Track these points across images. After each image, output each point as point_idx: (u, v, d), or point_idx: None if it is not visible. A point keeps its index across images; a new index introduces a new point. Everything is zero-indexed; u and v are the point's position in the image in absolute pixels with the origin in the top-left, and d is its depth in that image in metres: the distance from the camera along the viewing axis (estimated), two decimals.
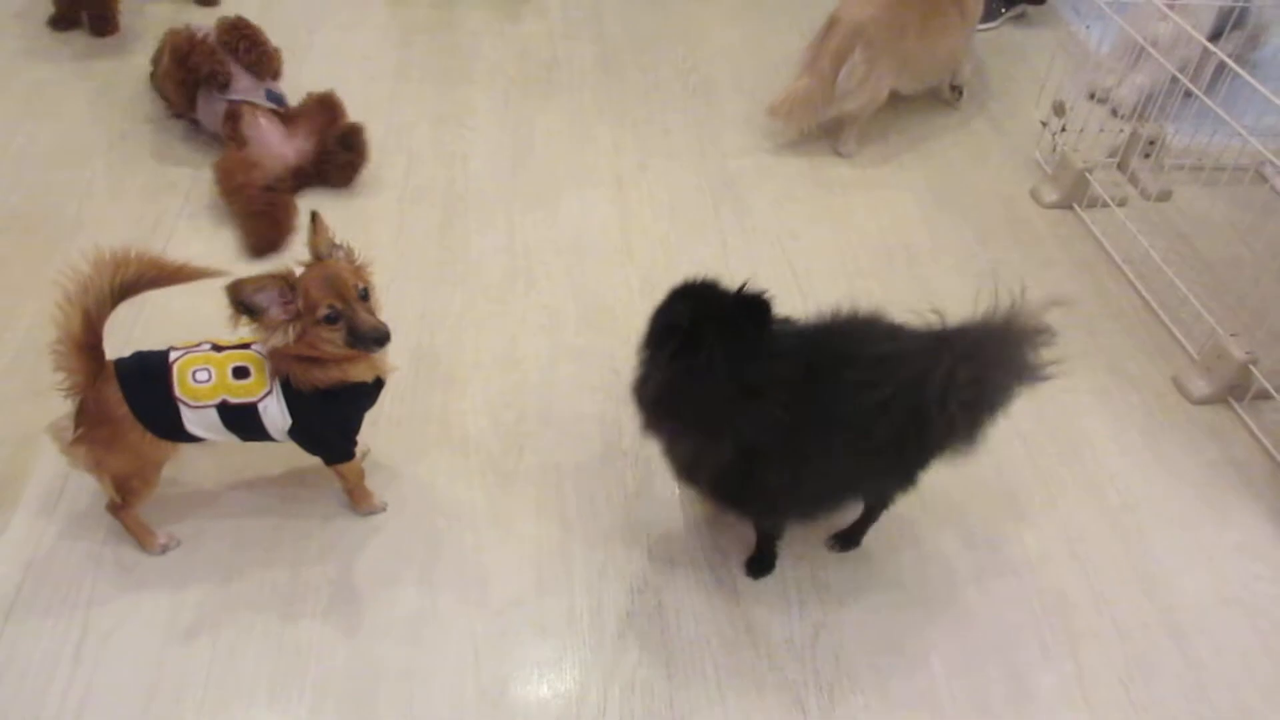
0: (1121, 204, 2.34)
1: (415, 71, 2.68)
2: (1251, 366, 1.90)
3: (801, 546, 1.62)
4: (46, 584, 1.51)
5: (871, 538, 1.63)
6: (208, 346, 1.47)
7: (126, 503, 1.52)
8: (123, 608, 1.49)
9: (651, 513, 1.66)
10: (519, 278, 2.08)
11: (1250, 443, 1.88)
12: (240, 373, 1.44)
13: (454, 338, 1.93)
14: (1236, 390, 1.94)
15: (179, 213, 2.17)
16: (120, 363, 1.45)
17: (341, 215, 2.16)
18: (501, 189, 2.31)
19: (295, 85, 2.39)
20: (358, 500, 1.63)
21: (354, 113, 2.33)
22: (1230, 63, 2.00)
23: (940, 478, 1.74)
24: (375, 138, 2.39)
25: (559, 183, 2.35)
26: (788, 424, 1.32)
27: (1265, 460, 1.85)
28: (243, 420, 1.46)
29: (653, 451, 1.72)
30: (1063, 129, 2.51)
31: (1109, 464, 1.81)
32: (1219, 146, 2.40)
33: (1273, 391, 1.88)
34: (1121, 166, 2.48)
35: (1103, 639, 1.54)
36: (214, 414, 1.44)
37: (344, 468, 1.58)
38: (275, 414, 1.46)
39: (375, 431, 1.72)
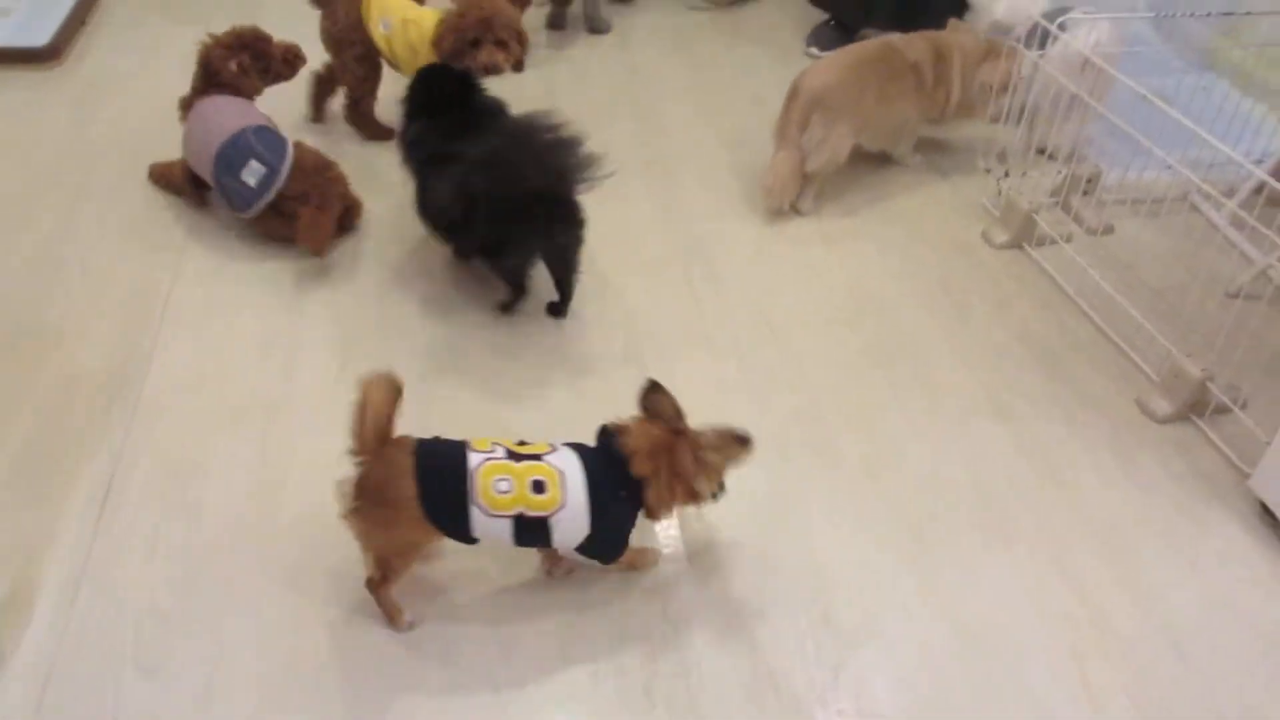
0: (1068, 240, 2.47)
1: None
2: (1208, 383, 2.01)
3: (810, 590, 1.67)
4: (67, 701, 1.50)
5: (868, 571, 1.69)
6: (503, 452, 1.49)
7: (384, 579, 1.54)
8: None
9: (664, 571, 1.70)
10: (502, 353, 2.14)
11: (1215, 455, 1.99)
12: (538, 487, 1.46)
13: (449, 419, 1.97)
14: (1197, 406, 2.05)
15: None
16: (421, 452, 1.47)
17: (328, 305, 2.20)
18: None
19: None
20: (638, 564, 1.69)
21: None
22: (1154, 99, 2.15)
23: (931, 510, 1.82)
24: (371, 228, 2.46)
25: None
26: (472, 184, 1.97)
27: (1231, 470, 1.95)
28: (532, 532, 1.49)
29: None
30: (1005, 174, 2.65)
31: (1088, 486, 1.90)
32: (1152, 179, 2.55)
33: (1230, 404, 1.99)
34: (1064, 206, 2.62)
35: (1106, 654, 1.61)
36: (508, 525, 1.47)
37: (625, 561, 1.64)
38: (569, 527, 1.49)
39: None
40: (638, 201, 2.63)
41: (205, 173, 2.31)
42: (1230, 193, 2.60)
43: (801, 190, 2.62)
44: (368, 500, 1.46)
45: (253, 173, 2.22)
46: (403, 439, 1.49)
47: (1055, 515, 1.84)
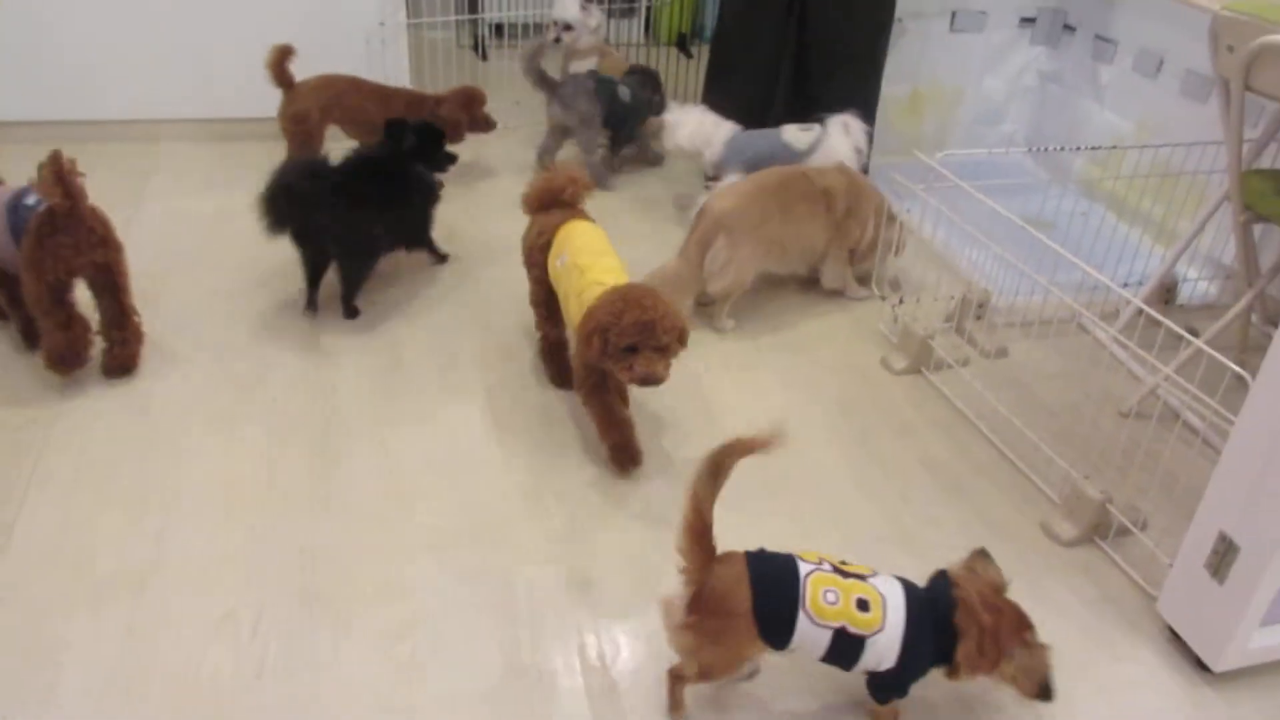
0: (964, 364, 2.51)
1: (275, 305, 2.68)
2: (1108, 505, 2.02)
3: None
4: None
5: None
6: (829, 566, 1.52)
7: (696, 681, 1.57)
8: None
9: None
10: (398, 502, 2.05)
11: (1121, 578, 1.98)
12: (863, 605, 1.48)
13: (337, 572, 1.86)
14: (1099, 529, 2.05)
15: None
16: (754, 564, 1.50)
17: (210, 455, 2.11)
18: (371, 412, 2.30)
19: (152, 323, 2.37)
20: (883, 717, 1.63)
21: (216, 355, 2.31)
22: (1031, 229, 2.22)
23: None
24: (240, 377, 2.38)
25: (430, 396, 2.35)
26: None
27: (1137, 593, 1.94)
28: (846, 650, 1.49)
29: (557, 665, 1.69)
30: (900, 301, 2.70)
31: None
32: (1041, 302, 2.63)
33: (1131, 527, 2.00)
34: (958, 330, 2.68)
35: None
36: (828, 637, 1.47)
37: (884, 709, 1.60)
38: (879, 653, 1.48)
39: (261, 685, 1.62)
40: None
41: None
42: (1115, 314, 2.69)
43: (715, 311, 2.70)
44: (704, 614, 1.48)
45: None
46: (731, 554, 1.52)
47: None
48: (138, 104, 3.51)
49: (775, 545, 1.97)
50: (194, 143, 3.55)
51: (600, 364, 2.02)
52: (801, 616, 1.47)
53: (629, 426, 2.15)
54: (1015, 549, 2.03)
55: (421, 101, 3.30)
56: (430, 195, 2.84)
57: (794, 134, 3.06)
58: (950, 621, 1.50)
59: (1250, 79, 2.14)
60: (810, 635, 1.48)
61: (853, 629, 1.47)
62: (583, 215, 2.36)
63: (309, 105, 3.14)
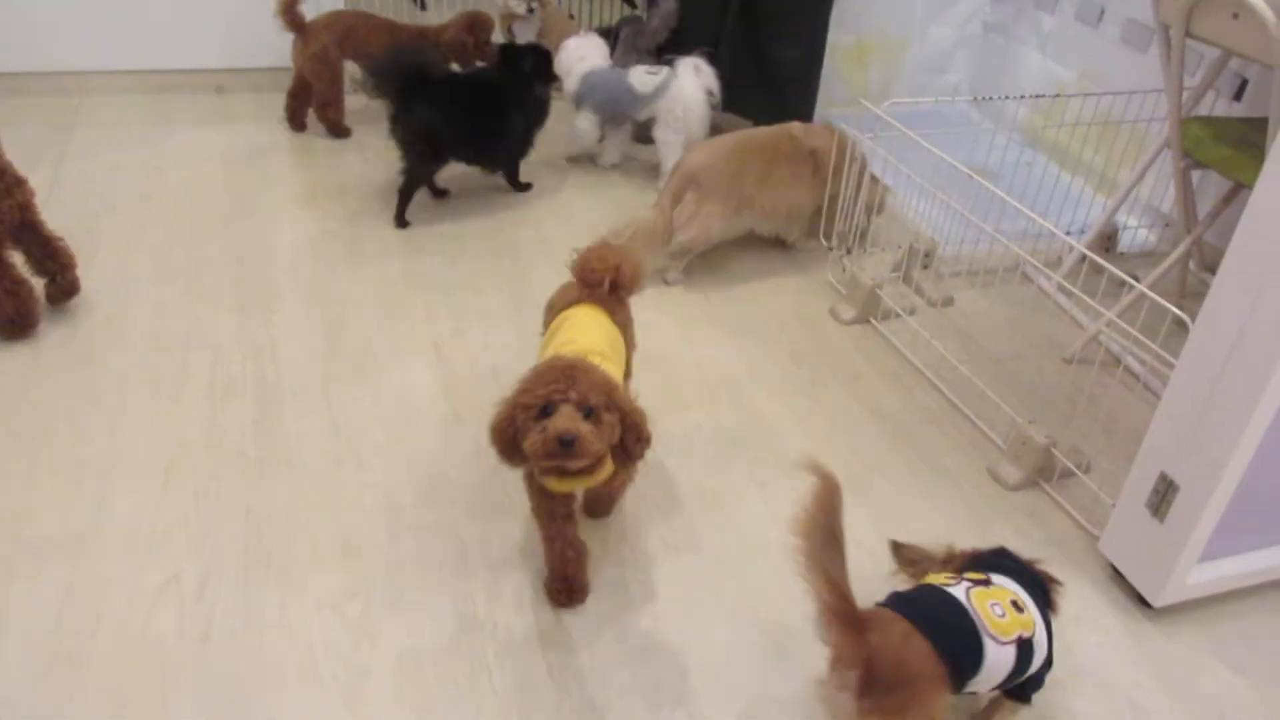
0: (912, 313, 2.52)
1: (213, 261, 2.61)
2: (1052, 449, 2.05)
3: (676, 693, 1.60)
4: None
5: (735, 668, 1.63)
6: (969, 581, 1.40)
7: None
8: None
9: (518, 676, 1.60)
10: (347, 460, 2.01)
11: (1065, 519, 2.02)
12: (1018, 606, 1.39)
13: (284, 534, 1.83)
14: (1044, 472, 2.09)
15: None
16: (911, 612, 1.32)
17: (150, 418, 2.06)
18: (317, 371, 2.25)
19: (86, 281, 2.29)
20: None
21: (154, 314, 2.24)
22: (977, 177, 2.23)
23: (797, 599, 1.78)
24: (178, 336, 2.31)
25: (376, 357, 2.31)
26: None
27: (1080, 534, 1.99)
28: (1024, 658, 1.37)
29: (513, 619, 1.68)
30: (848, 252, 2.71)
31: None
32: (986, 251, 2.65)
33: (1074, 470, 2.04)
34: (906, 280, 2.69)
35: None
36: (1013, 653, 1.34)
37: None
38: (1038, 645, 1.39)
39: (208, 648, 1.60)
40: (489, 295, 2.57)
41: None
42: (1058, 262, 2.72)
43: (671, 263, 2.69)
44: (882, 692, 1.26)
45: None
46: (876, 614, 1.34)
47: None
48: (64, 55, 3.37)
49: (726, 495, 2.00)
50: (124, 95, 3.43)
51: (516, 458, 1.59)
52: (989, 643, 1.33)
53: (577, 556, 1.72)
54: (962, 494, 2.06)
55: (425, 34, 3.32)
56: (541, 115, 2.97)
57: (640, 77, 3.05)
58: (1048, 592, 1.50)
59: (1190, 26, 2.16)
60: (1000, 657, 1.35)
61: (1026, 634, 1.37)
62: (599, 302, 1.86)
63: (326, 42, 3.15)
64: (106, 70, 3.42)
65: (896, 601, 1.39)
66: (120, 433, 2.03)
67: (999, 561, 1.52)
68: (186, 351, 2.27)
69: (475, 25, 3.32)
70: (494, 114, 2.85)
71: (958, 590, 1.39)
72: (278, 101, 3.33)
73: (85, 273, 2.39)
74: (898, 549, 1.64)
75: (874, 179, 2.66)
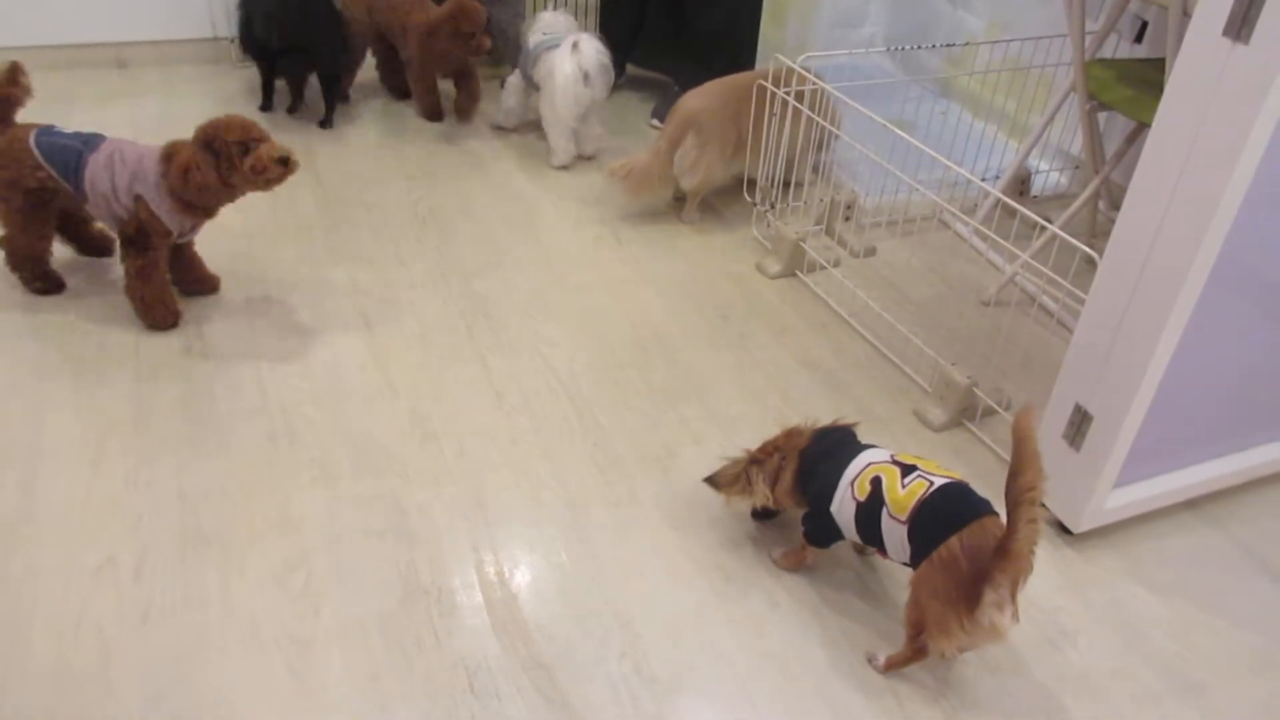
0: (836, 265, 2.57)
1: None
2: (974, 389, 2.12)
3: (621, 644, 1.63)
4: None
5: (679, 619, 1.67)
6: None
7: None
8: None
9: (464, 645, 1.62)
10: (280, 436, 2.00)
11: (989, 455, 2.09)
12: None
13: (221, 512, 1.82)
14: (967, 412, 2.16)
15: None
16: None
17: (73, 402, 2.01)
18: (243, 346, 2.22)
19: None
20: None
21: (72, 295, 2.18)
22: (893, 128, 2.27)
23: (736, 546, 1.82)
24: (96, 318, 2.26)
25: (303, 330, 2.29)
26: None
27: (1004, 468, 2.03)
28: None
29: (455, 584, 1.70)
30: (771, 206, 2.74)
31: None
32: (905, 201, 2.71)
33: (996, 407, 2.11)
34: (829, 232, 2.74)
35: (928, 690, 1.64)
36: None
37: None
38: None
39: (148, 629, 1.59)
40: (414, 265, 2.56)
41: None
42: (974, 208, 2.79)
43: (685, 206, 2.82)
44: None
45: None
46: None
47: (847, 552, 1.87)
48: None
49: (662, 451, 2.03)
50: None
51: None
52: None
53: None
54: (892, 436, 2.12)
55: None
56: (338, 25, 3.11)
57: (537, 37, 3.04)
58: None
59: None
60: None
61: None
62: None
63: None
64: (1, 46, 3.29)
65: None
66: (44, 418, 1.98)
67: (841, 436, 1.71)
68: (109, 333, 2.22)
69: (462, 15, 3.06)
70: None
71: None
72: (184, 74, 3.24)
73: None
74: (713, 482, 1.77)
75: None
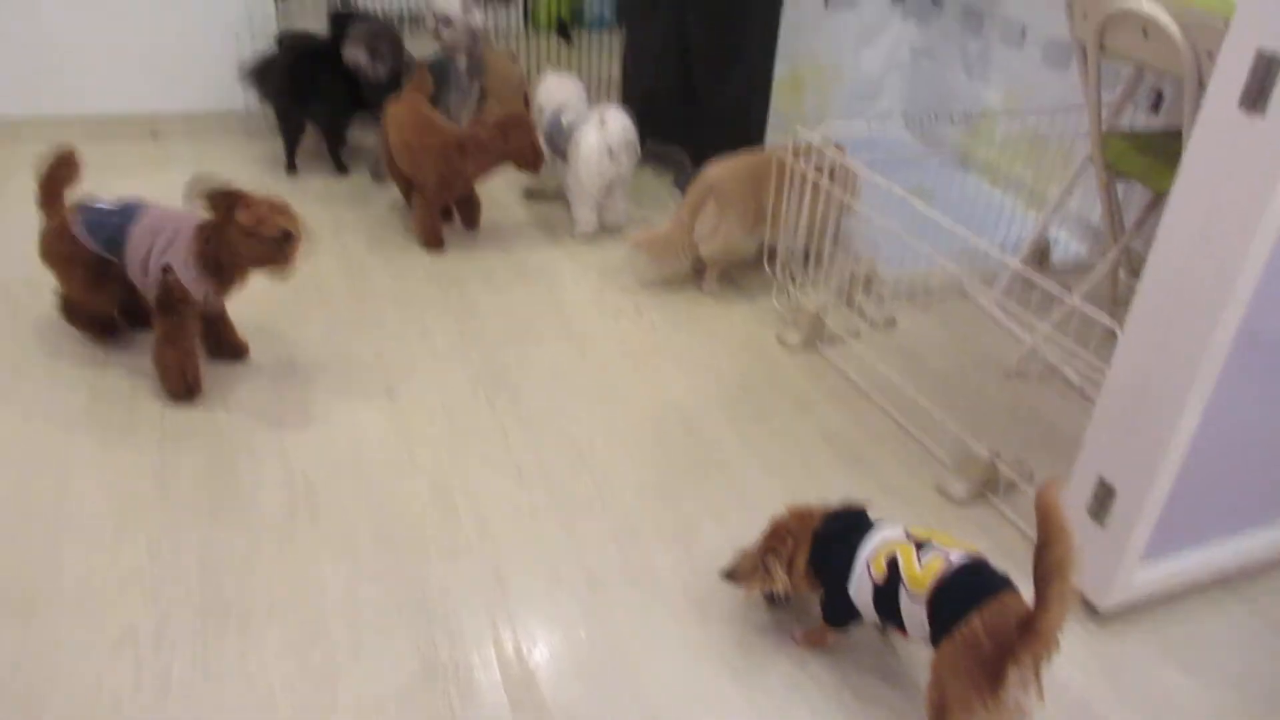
0: (856, 336, 2.58)
1: None
2: (996, 462, 2.10)
3: None
4: None
5: (703, 704, 1.65)
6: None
7: None
8: None
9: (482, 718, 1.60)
10: (301, 508, 2.01)
11: (1012, 531, 2.07)
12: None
13: (241, 584, 1.82)
14: (990, 485, 2.13)
15: None
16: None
17: (99, 463, 2.03)
18: (268, 414, 2.24)
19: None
20: None
21: (100, 361, 2.21)
22: (913, 200, 2.29)
23: (760, 627, 1.80)
24: (121, 384, 2.29)
25: (327, 399, 2.31)
26: None
27: (1028, 544, 2.01)
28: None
29: (473, 660, 1.68)
30: (791, 277, 2.76)
31: None
32: (925, 272, 2.72)
33: (1018, 481, 2.09)
34: (848, 303, 2.75)
35: None
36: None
37: None
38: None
39: (167, 701, 1.58)
40: (438, 336, 2.58)
41: None
42: (994, 278, 2.80)
43: (705, 275, 2.85)
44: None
45: None
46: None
47: None
48: None
49: (688, 524, 2.02)
50: (55, 142, 3.39)
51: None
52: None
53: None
54: (914, 511, 2.10)
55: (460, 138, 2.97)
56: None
57: (568, 114, 3.10)
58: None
59: (1104, 43, 2.24)
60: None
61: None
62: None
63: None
64: (39, 117, 3.39)
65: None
66: (67, 485, 2.00)
67: (853, 515, 1.69)
68: (136, 400, 2.25)
69: (510, 128, 2.91)
70: (323, 74, 3.21)
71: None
72: (214, 145, 3.33)
73: (24, 324, 2.37)
74: (732, 577, 1.75)
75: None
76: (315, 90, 3.24)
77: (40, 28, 3.27)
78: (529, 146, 2.89)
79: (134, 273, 2.19)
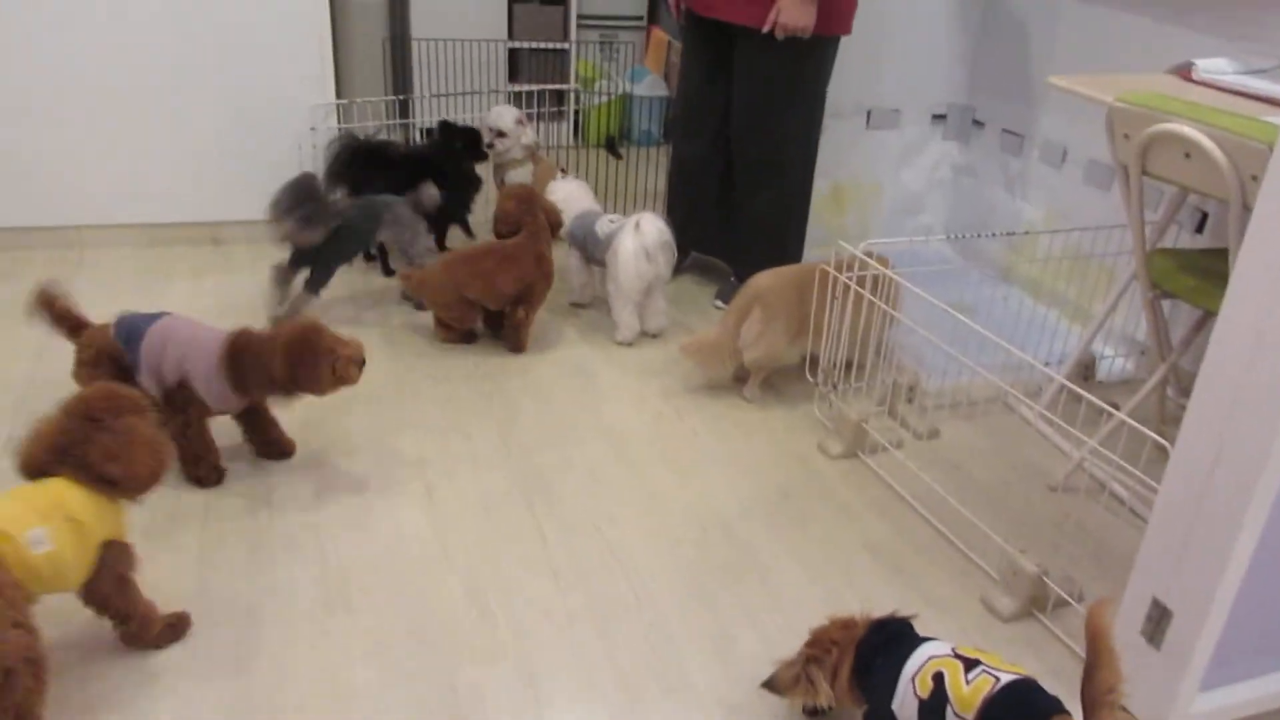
0: (899, 446, 2.55)
1: None
2: (1044, 578, 2.05)
3: None
4: None
5: None
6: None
7: None
8: None
9: None
10: (337, 605, 1.99)
11: (1062, 649, 2.00)
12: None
13: (272, 682, 1.80)
14: (1037, 602, 2.07)
15: None
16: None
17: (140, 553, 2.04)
18: (308, 510, 2.25)
19: None
20: None
21: None
22: (956, 315, 2.30)
23: None
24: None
25: (367, 499, 2.32)
26: None
27: (1078, 664, 1.95)
28: None
29: None
30: (833, 386, 2.76)
31: None
32: (968, 383, 2.70)
33: (1067, 598, 2.03)
34: (891, 413, 2.73)
35: None
36: None
37: None
38: None
39: None
40: (479, 439, 2.60)
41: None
42: (1038, 391, 2.77)
43: (748, 382, 2.85)
44: None
45: None
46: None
47: None
48: (62, 210, 3.47)
49: (725, 631, 1.98)
50: (122, 248, 3.52)
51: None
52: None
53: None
54: (959, 626, 2.04)
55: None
56: (474, 183, 3.58)
57: (604, 224, 3.16)
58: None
59: (1146, 164, 2.27)
60: None
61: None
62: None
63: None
64: (105, 224, 3.53)
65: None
66: None
67: (898, 628, 1.65)
68: (178, 500, 2.27)
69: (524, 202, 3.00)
70: (433, 180, 3.25)
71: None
72: (273, 251, 3.42)
73: None
74: (773, 686, 1.71)
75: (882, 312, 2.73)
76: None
77: (114, 139, 3.43)
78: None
79: (144, 375, 2.23)
